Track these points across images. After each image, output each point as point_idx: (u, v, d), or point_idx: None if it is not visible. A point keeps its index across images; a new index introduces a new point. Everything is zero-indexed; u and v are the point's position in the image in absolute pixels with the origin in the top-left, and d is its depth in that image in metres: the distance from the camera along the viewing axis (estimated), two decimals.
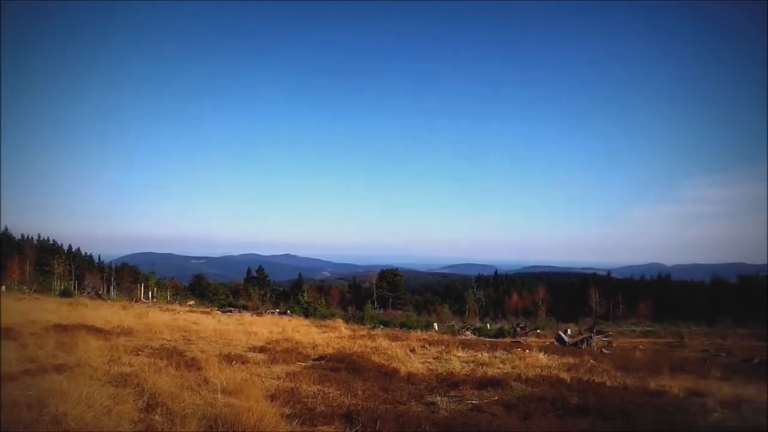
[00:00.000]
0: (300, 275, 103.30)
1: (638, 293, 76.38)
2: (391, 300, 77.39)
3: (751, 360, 17.80)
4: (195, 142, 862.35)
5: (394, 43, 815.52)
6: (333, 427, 6.03)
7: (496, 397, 8.10)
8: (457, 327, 37.19)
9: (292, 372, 9.82)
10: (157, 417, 5.64)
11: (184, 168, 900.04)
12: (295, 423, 5.90)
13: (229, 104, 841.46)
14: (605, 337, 26.01)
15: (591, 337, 22.18)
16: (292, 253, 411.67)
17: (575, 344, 20.53)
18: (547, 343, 21.59)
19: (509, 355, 13.27)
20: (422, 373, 10.42)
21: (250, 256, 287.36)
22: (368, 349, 13.76)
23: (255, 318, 27.28)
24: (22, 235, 73.91)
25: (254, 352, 12.75)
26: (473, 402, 7.80)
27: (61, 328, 13.34)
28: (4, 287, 38.88)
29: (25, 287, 43.75)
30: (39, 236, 78.51)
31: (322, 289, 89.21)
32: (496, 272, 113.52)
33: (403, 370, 10.60)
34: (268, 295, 71.12)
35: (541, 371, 10.97)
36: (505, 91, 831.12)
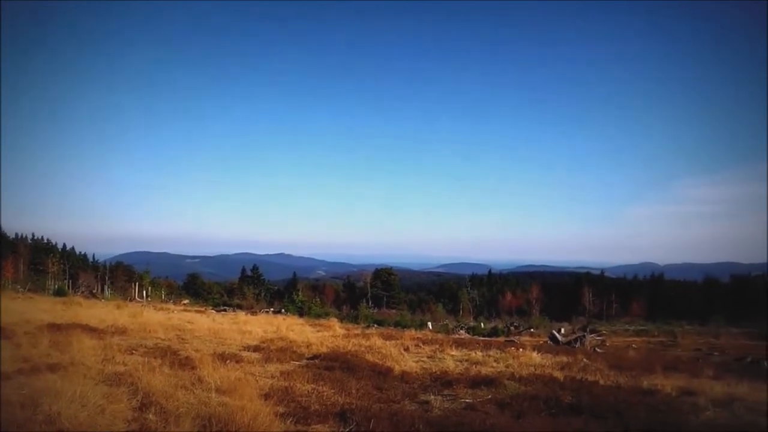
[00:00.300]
0: (294, 274, 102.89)
1: (631, 292, 76.60)
2: (385, 299, 77.32)
3: (743, 359, 17.85)
4: (191, 142, 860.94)
5: (391, 42, 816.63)
6: (327, 425, 6.03)
7: (490, 396, 8.12)
8: (451, 326, 37.21)
9: (286, 371, 9.82)
10: (150, 416, 5.62)
11: (180, 168, 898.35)
12: (289, 422, 5.89)
13: (225, 105, 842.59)
14: (598, 336, 26.08)
15: (584, 336, 22.23)
16: (286, 252, 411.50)
17: (569, 343, 20.58)
18: (541, 342, 21.64)
19: (503, 354, 13.32)
20: (416, 372, 10.43)
21: (245, 255, 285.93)
22: (362, 348, 13.76)
23: (249, 317, 27.23)
24: (17, 234, 73.54)
25: (248, 351, 12.73)
26: (467, 401, 7.82)
27: (55, 328, 13.26)
28: None
29: (19, 286, 43.48)
30: (33, 235, 78.30)
31: (317, 288, 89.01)
32: (490, 271, 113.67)
33: (397, 368, 10.60)
34: (263, 294, 70.98)
35: (535, 370, 11.02)
36: (502, 92, 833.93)
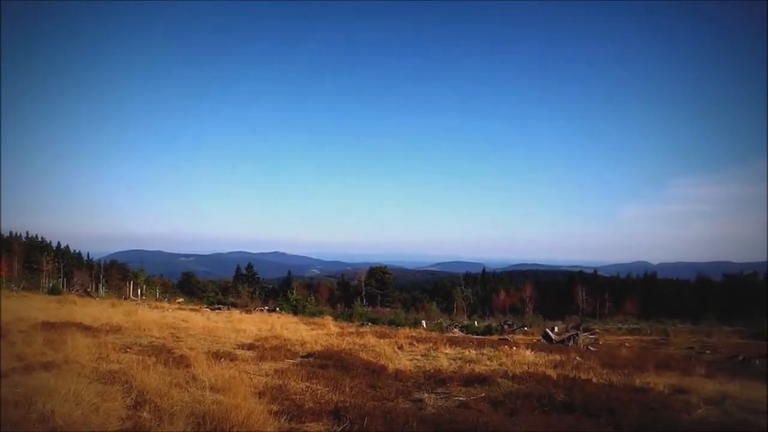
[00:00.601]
0: (289, 273, 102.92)
1: (624, 291, 77.05)
2: (379, 297, 77.34)
3: (735, 357, 17.94)
4: (186, 142, 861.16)
5: (384, 39, 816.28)
6: (321, 423, 6.02)
7: (483, 394, 8.14)
8: (444, 324, 37.18)
9: (280, 369, 9.82)
10: (145, 414, 5.60)
11: (175, 167, 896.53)
12: (283, 420, 5.89)
13: (219, 104, 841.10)
14: (591, 334, 26.11)
15: (577, 334, 22.28)
16: (281, 250, 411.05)
17: (562, 342, 20.63)
18: (534, 340, 21.68)
19: (496, 353, 13.33)
20: (410, 370, 10.45)
21: (240, 254, 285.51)
22: (356, 347, 13.75)
23: (244, 315, 27.15)
24: (11, 233, 73.30)
25: (243, 349, 12.71)
26: (460, 399, 7.82)
27: (49, 326, 13.20)
28: None
29: (13, 285, 43.20)
30: (27, 233, 77.99)
31: (311, 286, 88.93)
32: (483, 270, 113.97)
33: (390, 367, 10.62)
34: (257, 293, 70.93)
35: (528, 368, 11.01)
36: (497, 91, 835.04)
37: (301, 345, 13.87)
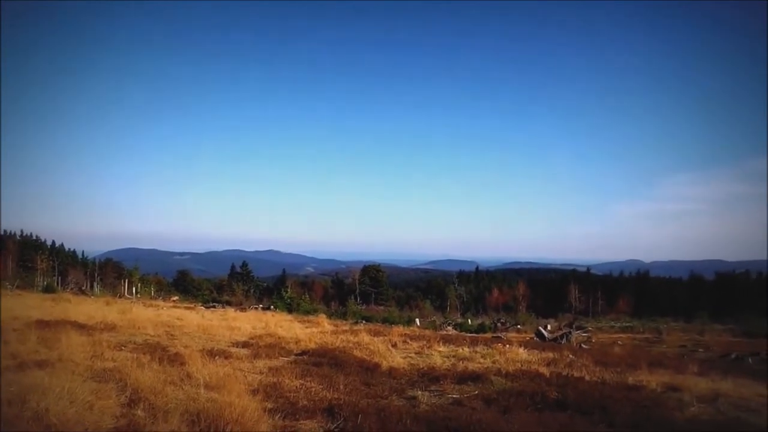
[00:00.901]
0: (284, 271, 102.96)
1: (617, 289, 77.33)
2: (373, 295, 77.39)
3: (728, 355, 18.04)
4: (181, 140, 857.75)
5: (383, 37, 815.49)
6: (315, 421, 6.01)
7: (477, 392, 8.13)
8: (438, 322, 37.30)
9: (274, 367, 9.80)
10: (139, 412, 5.57)
11: (171, 165, 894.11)
12: (277, 417, 5.87)
13: (214, 104, 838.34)
14: (584, 332, 26.32)
15: (570, 332, 22.40)
16: (275, 249, 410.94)
17: (555, 339, 20.71)
18: (527, 338, 21.76)
19: (490, 350, 13.32)
20: (403, 368, 10.42)
21: (234, 252, 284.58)
22: (350, 344, 13.73)
23: (238, 313, 27.16)
24: (5, 231, 72.79)
25: (237, 347, 12.68)
26: (454, 396, 7.82)
27: (43, 324, 13.10)
28: None
29: (7, 283, 42.98)
30: (22, 232, 77.53)
31: (306, 284, 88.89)
32: (477, 268, 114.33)
33: (384, 364, 10.60)
34: (252, 291, 70.93)
35: (521, 366, 10.99)
36: (489, 92, 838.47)
37: (296, 343, 13.85)
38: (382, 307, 60.78)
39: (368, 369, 10.04)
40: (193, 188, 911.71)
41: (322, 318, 27.14)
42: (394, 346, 14.16)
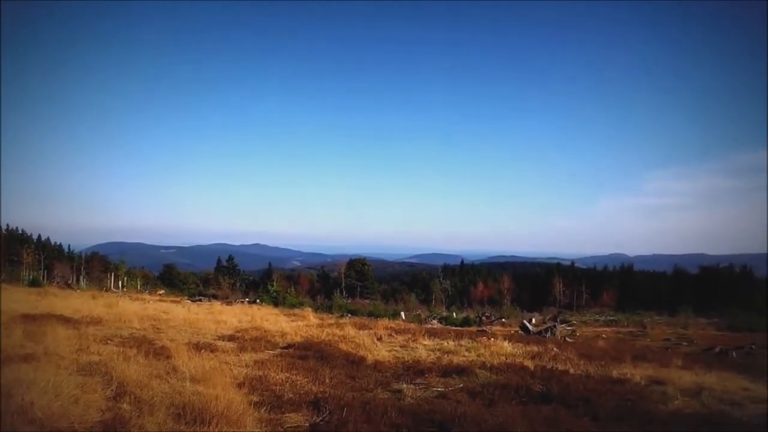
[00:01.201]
0: (270, 264, 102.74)
1: (601, 283, 77.75)
2: (359, 289, 77.43)
3: (711, 349, 18.19)
4: (167, 134, 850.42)
5: (363, 35, 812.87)
6: (300, 414, 6.03)
7: (462, 385, 8.19)
8: (423, 316, 37.28)
9: (260, 360, 9.80)
10: (125, 405, 5.54)
11: (156, 159, 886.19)
12: (262, 410, 5.89)
13: (198, 95, 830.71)
14: (569, 326, 26.39)
15: (555, 326, 22.45)
16: (262, 242, 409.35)
17: (539, 333, 20.78)
18: (512, 331, 21.82)
19: (474, 344, 13.40)
20: (389, 361, 10.47)
21: (220, 246, 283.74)
22: (336, 338, 13.77)
23: (224, 307, 27.00)
24: None
25: (223, 340, 12.66)
26: (439, 389, 7.88)
27: (29, 318, 12.97)
28: None
29: None
30: (8, 226, 76.42)
31: (292, 278, 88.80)
32: (462, 262, 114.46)
33: (370, 358, 10.64)
34: (238, 285, 70.54)
35: (506, 359, 11.07)
36: (476, 87, 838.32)
37: (281, 336, 13.84)
38: (367, 301, 60.73)
39: (354, 362, 10.08)
40: (179, 182, 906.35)
41: (308, 311, 27.06)
42: (380, 339, 14.21)
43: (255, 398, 6.37)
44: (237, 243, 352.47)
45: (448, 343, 13.56)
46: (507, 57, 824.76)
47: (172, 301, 30.91)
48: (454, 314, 41.57)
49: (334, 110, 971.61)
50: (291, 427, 5.65)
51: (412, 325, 21.42)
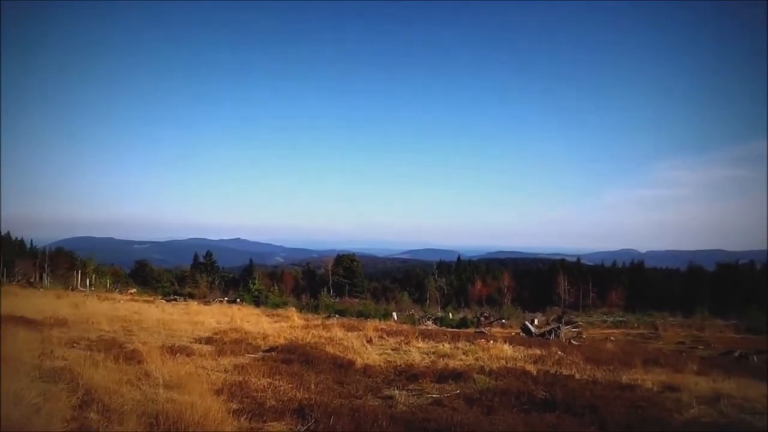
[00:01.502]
0: (251, 261, 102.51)
1: (610, 281, 77.67)
2: (347, 287, 77.51)
3: (730, 353, 18.14)
4: (139, 121, 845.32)
5: (353, 29, 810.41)
6: (284, 422, 5.98)
7: (458, 391, 8.18)
8: (417, 316, 37.36)
9: (240, 364, 9.74)
10: (92, 414, 5.48)
11: (128, 147, 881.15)
12: (242, 419, 5.83)
13: (175, 84, 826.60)
14: (574, 327, 26.39)
15: (559, 327, 22.46)
16: (242, 237, 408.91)
17: (542, 335, 20.81)
18: (513, 333, 21.93)
19: (472, 347, 13.41)
20: (380, 365, 10.46)
21: (197, 241, 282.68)
22: (322, 340, 13.78)
23: (202, 307, 26.98)
24: None
25: (200, 343, 12.63)
26: (434, 396, 7.86)
27: None
28: None
29: None
30: None
31: (275, 275, 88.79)
32: (458, 258, 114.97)
33: (359, 361, 10.63)
34: (217, 283, 70.54)
35: (506, 363, 11.06)
36: (474, 77, 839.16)
37: (263, 338, 13.80)
38: (356, 300, 60.85)
39: (342, 366, 10.06)
40: (153, 172, 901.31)
41: (292, 311, 27.09)
42: (370, 341, 14.21)
43: (234, 406, 6.32)
44: (215, 238, 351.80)
45: (443, 345, 13.55)
46: (507, 48, 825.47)
47: (145, 301, 30.85)
48: (450, 315, 41.73)
49: (322, 101, 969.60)
50: None
51: (405, 327, 21.46)
